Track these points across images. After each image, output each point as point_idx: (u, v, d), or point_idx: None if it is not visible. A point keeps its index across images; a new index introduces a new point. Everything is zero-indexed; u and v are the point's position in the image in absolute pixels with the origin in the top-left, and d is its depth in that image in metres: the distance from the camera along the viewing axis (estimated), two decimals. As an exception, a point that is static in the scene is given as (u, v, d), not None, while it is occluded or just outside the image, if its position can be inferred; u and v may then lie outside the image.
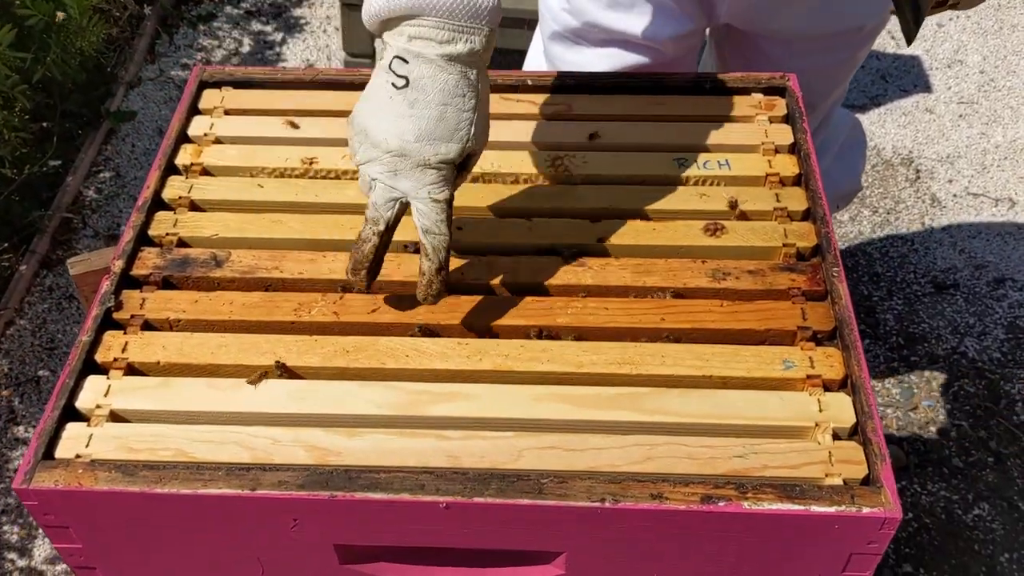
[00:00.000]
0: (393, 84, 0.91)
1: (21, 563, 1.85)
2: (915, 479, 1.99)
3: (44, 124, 2.48)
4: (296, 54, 2.93)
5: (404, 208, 0.97)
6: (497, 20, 0.92)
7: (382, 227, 0.96)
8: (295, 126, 1.20)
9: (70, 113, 2.58)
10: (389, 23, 0.92)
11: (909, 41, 1.05)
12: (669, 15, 1.39)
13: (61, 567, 1.84)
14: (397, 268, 1.05)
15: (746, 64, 1.47)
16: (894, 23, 2.97)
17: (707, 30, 1.52)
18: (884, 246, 2.43)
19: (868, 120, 2.74)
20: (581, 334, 1.00)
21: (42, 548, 1.87)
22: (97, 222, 2.43)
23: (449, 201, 0.95)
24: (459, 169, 0.96)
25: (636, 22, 1.39)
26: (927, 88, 2.85)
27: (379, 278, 1.04)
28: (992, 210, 2.51)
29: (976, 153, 2.65)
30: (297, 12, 3.07)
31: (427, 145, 0.92)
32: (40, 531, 1.87)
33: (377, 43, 0.95)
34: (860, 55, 1.52)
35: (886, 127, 2.74)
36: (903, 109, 2.79)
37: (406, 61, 0.91)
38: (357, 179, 1.15)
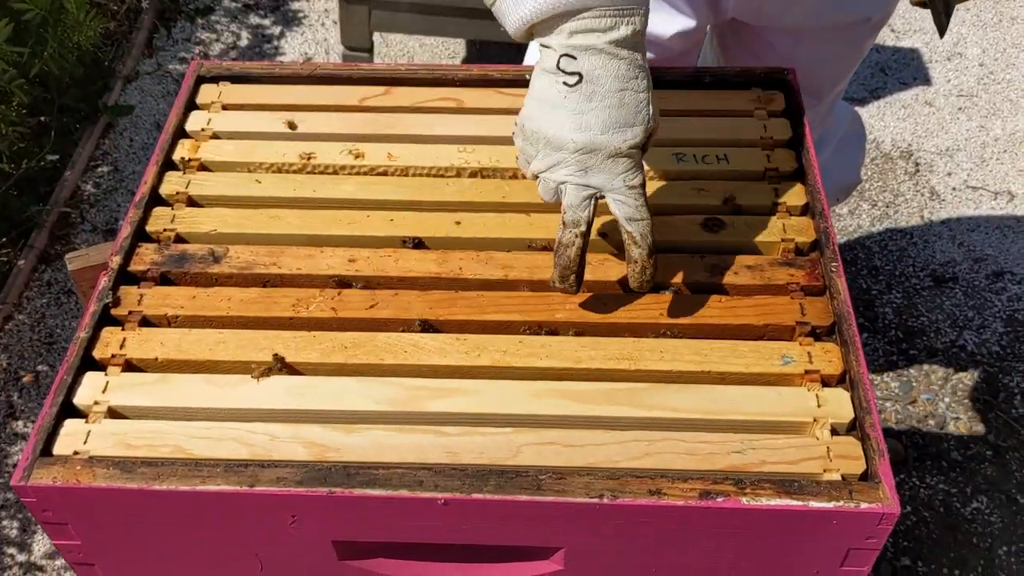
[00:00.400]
0: (565, 83, 0.91)
1: (20, 558, 1.85)
2: (913, 472, 1.99)
3: (42, 119, 2.48)
4: (294, 48, 2.92)
5: (597, 204, 0.96)
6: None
7: (583, 228, 0.95)
8: (293, 127, 1.19)
9: (68, 108, 2.57)
10: (540, 26, 0.91)
11: (941, 33, 1.06)
12: (675, 12, 1.39)
13: (60, 562, 1.84)
14: (395, 264, 1.05)
15: (752, 57, 1.47)
16: (896, 15, 2.97)
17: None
18: (883, 239, 2.43)
19: (867, 113, 2.74)
20: (580, 329, 1.00)
21: (41, 543, 1.87)
22: (95, 216, 2.43)
23: (643, 185, 0.95)
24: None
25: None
26: (926, 81, 2.84)
27: (377, 273, 1.04)
28: (991, 203, 2.50)
29: (975, 146, 2.65)
30: (295, 6, 3.07)
31: (615, 134, 0.92)
32: (39, 526, 1.87)
33: (533, 47, 0.94)
34: (865, 46, 1.52)
35: (885, 120, 2.73)
36: (902, 102, 2.78)
37: (574, 58, 0.90)
38: (356, 174, 1.15)
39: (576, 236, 0.95)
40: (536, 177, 0.97)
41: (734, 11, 1.41)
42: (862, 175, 2.52)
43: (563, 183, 0.95)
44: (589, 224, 0.96)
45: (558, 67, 0.91)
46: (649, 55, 1.43)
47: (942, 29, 1.05)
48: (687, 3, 1.38)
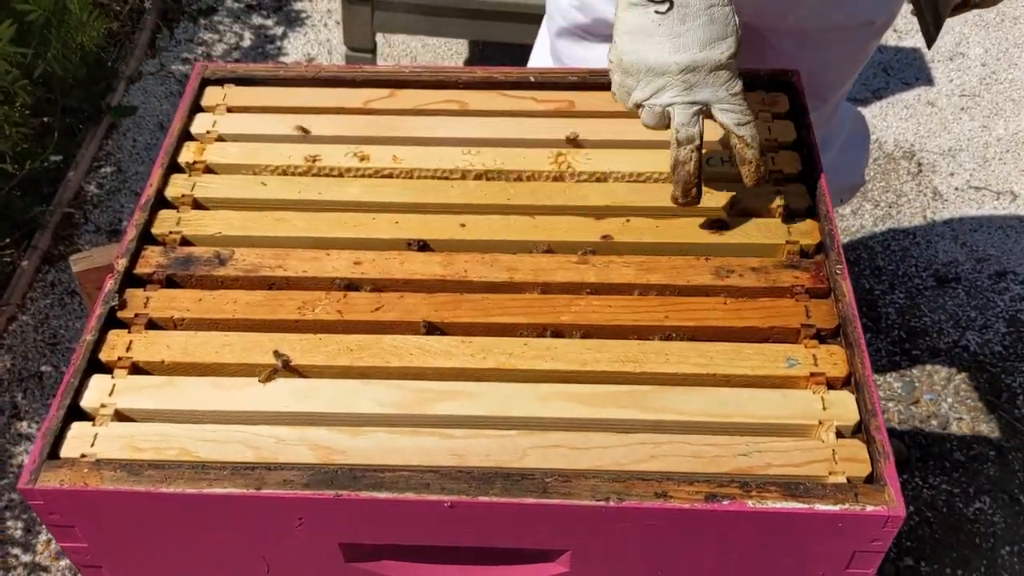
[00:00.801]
0: (656, 11, 0.97)
1: (25, 558, 1.86)
2: (916, 473, 1.99)
3: (45, 119, 2.48)
4: (297, 48, 2.93)
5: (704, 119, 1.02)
6: None
7: (697, 141, 1.01)
8: (305, 131, 1.19)
9: (71, 108, 2.58)
10: None
11: (929, 44, 1.09)
12: None
13: (65, 562, 1.85)
14: (400, 266, 1.05)
15: (755, 59, 1.47)
16: (899, 15, 2.97)
17: None
18: (886, 239, 2.43)
19: (870, 113, 2.74)
20: (585, 332, 1.00)
21: (46, 543, 1.87)
22: (99, 217, 2.43)
23: (744, 89, 1.02)
24: None
25: None
26: (929, 81, 2.84)
27: (382, 275, 1.04)
28: (994, 203, 2.51)
29: (978, 146, 2.65)
30: (298, 6, 3.07)
31: (713, 49, 0.98)
32: (44, 526, 1.88)
33: None
34: (870, 49, 1.51)
35: (888, 120, 2.73)
36: (905, 102, 2.78)
37: None
38: (360, 177, 1.16)
39: (692, 151, 1.02)
40: (639, 106, 1.02)
41: (737, 10, 1.41)
42: (865, 176, 2.52)
43: (670, 105, 1.01)
44: (701, 137, 1.02)
45: None
46: None
47: (930, 41, 1.08)
48: None
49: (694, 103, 1.00)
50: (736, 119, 1.02)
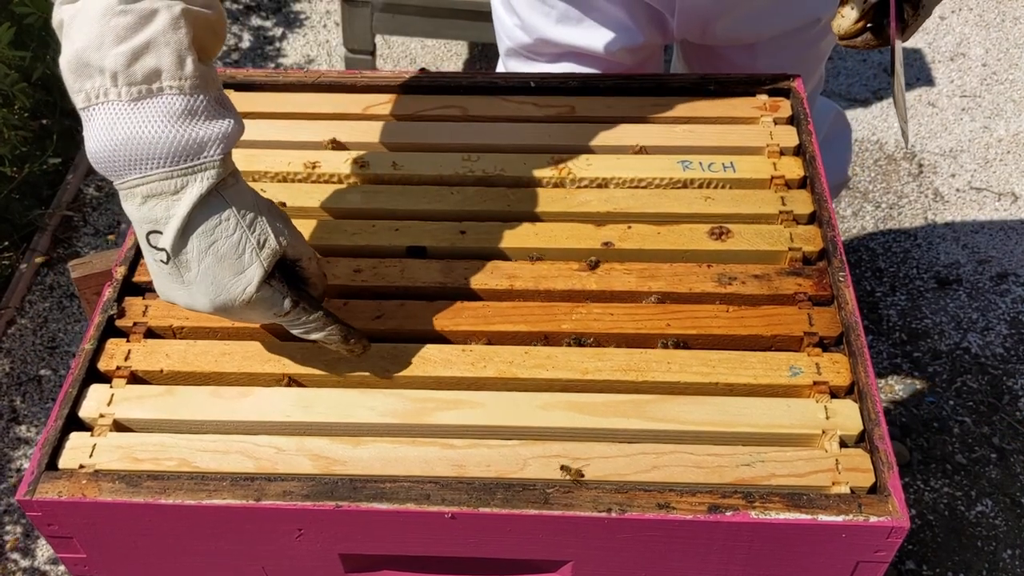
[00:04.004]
0: (160, 260, 0.83)
1: (24, 563, 1.85)
2: (918, 476, 1.99)
3: (44, 122, 2.47)
4: (296, 50, 2.92)
5: (294, 301, 0.89)
6: (234, 141, 0.83)
7: (314, 324, 0.90)
8: (339, 145, 1.18)
9: (70, 111, 2.57)
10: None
11: (906, 142, 1.10)
12: (619, 28, 1.38)
13: (63, 568, 1.84)
14: (401, 274, 1.05)
15: (713, 72, 1.46)
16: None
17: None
18: (887, 241, 2.42)
19: (870, 114, 2.74)
20: (586, 340, 0.99)
21: (44, 548, 1.87)
22: (97, 220, 2.43)
23: (296, 303, 0.87)
24: (294, 267, 0.90)
25: (587, 36, 1.38)
26: (929, 82, 2.84)
27: (383, 283, 1.04)
28: (995, 204, 2.50)
29: (979, 147, 2.64)
30: (297, 7, 3.06)
31: (230, 290, 0.84)
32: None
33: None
34: (824, 45, 1.50)
35: (888, 121, 2.73)
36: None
37: (159, 232, 0.82)
38: (360, 183, 1.15)
39: (327, 336, 0.91)
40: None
41: (679, 33, 1.40)
42: (866, 176, 2.52)
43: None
44: (299, 305, 0.89)
45: (148, 243, 0.83)
46: (600, 71, 1.42)
47: (905, 139, 1.09)
48: (631, 20, 1.37)
49: (274, 310, 0.87)
50: (301, 331, 0.90)
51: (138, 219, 0.82)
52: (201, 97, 0.81)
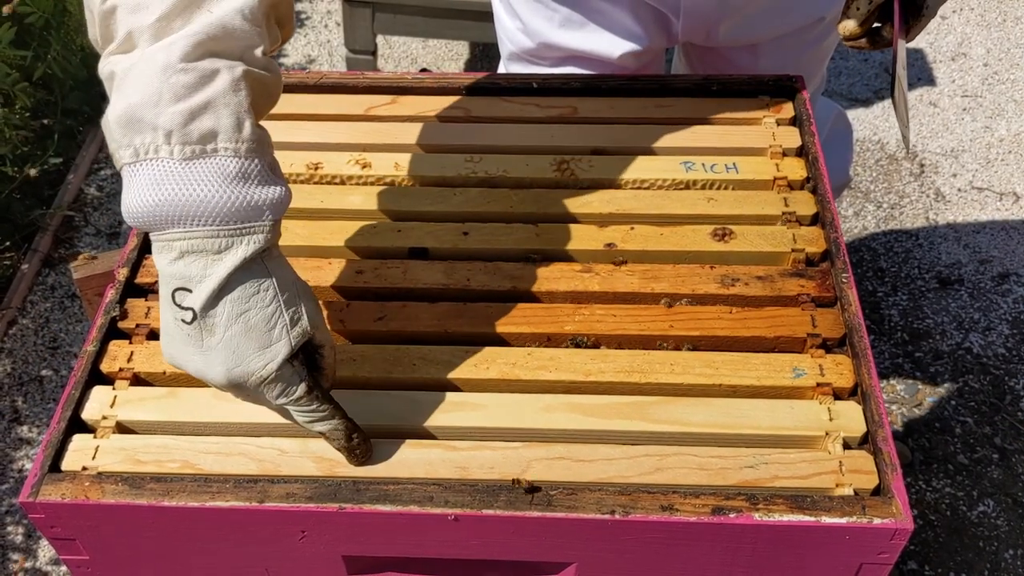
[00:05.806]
0: (183, 320, 0.78)
1: (26, 564, 1.85)
2: (920, 476, 1.99)
3: (45, 122, 2.47)
4: (297, 50, 2.92)
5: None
6: (283, 210, 0.80)
7: (320, 414, 0.84)
8: (366, 165, 1.16)
9: (71, 110, 2.57)
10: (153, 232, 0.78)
11: (907, 146, 1.09)
12: (624, 32, 1.37)
13: (65, 568, 1.84)
14: (403, 275, 1.05)
15: (716, 73, 1.46)
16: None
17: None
18: (888, 241, 2.42)
19: (872, 114, 2.74)
20: (589, 341, 0.99)
21: (47, 548, 1.87)
22: (99, 220, 2.43)
23: (311, 388, 0.83)
24: (314, 354, 0.85)
25: (590, 40, 1.38)
26: (931, 82, 2.84)
27: (385, 285, 1.03)
28: (996, 204, 2.50)
29: (980, 147, 2.64)
30: (298, 7, 3.06)
31: (252, 362, 0.79)
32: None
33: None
34: (826, 45, 1.49)
35: (890, 121, 2.73)
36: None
37: (188, 290, 0.77)
38: (363, 184, 1.15)
39: (330, 429, 0.86)
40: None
41: (684, 36, 1.39)
42: (867, 177, 2.52)
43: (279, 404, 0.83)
44: (313, 392, 0.84)
45: (173, 300, 0.78)
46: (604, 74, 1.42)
47: (907, 143, 1.08)
48: (637, 24, 1.36)
49: (267, 401, 0.83)
50: (307, 419, 0.84)
51: (168, 274, 0.78)
52: (256, 161, 0.78)
